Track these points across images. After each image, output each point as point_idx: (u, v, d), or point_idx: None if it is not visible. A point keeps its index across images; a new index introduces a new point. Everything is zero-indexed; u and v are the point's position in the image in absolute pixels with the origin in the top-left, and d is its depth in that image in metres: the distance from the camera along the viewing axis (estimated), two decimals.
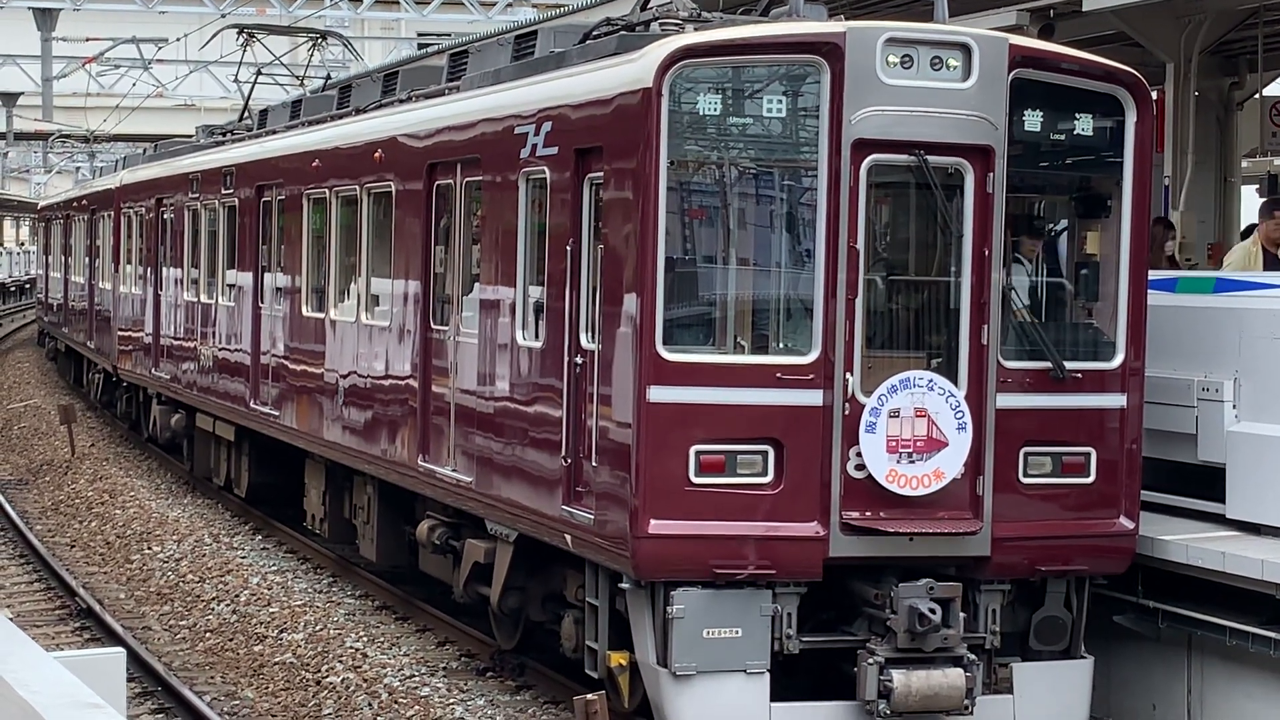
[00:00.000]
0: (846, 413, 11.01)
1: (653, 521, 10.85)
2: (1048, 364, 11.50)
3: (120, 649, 5.59)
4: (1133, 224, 11.71)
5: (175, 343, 24.57)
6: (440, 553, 14.49)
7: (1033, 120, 11.56)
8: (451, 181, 14.25)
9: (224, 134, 25.42)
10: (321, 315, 17.65)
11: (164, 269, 25.57)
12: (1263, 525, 12.16)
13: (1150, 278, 11.99)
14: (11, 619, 5.37)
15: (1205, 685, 12.36)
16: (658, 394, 10.87)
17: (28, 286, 77.77)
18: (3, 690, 3.52)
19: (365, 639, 15.55)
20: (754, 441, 10.99)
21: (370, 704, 13.62)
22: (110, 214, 30.65)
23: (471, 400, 13.52)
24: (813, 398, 11.01)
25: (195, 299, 23.36)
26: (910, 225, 11.78)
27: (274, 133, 21.09)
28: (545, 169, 12.36)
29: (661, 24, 11.95)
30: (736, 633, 10.98)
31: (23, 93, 57.34)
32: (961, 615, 11.13)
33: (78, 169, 71.62)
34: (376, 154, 15.97)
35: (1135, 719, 12.73)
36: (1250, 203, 22.68)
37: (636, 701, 11.49)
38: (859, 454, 11.02)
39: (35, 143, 71.42)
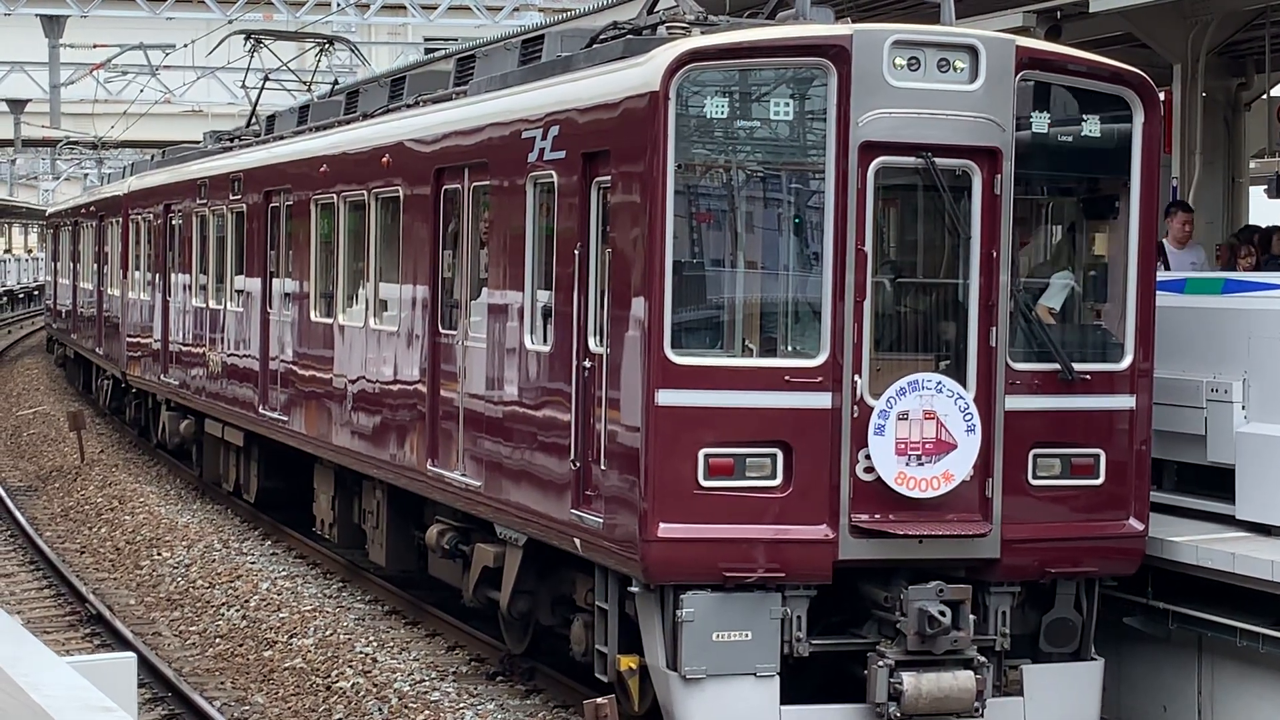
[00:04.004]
0: (855, 415, 11.02)
1: (662, 525, 10.86)
2: (1056, 366, 11.51)
3: (131, 654, 5.61)
4: (1141, 225, 11.71)
5: (184, 348, 24.61)
6: (449, 557, 14.51)
7: (1040, 122, 11.56)
8: (459, 186, 14.27)
9: (231, 140, 25.46)
10: (330, 320, 17.68)
11: (172, 275, 25.61)
12: (1273, 526, 12.16)
13: (1158, 278, 12.00)
14: (22, 625, 5.38)
15: (1216, 686, 12.36)
16: (666, 397, 10.88)
17: (36, 293, 77.91)
18: (16, 694, 3.54)
19: (375, 644, 15.56)
20: (763, 444, 10.99)
21: (380, 709, 13.63)
22: (118, 220, 30.70)
23: (480, 404, 13.54)
24: (821, 400, 11.02)
25: (204, 305, 23.40)
26: (918, 227, 11.79)
27: (281, 138, 21.13)
28: (553, 173, 12.38)
29: (668, 28, 11.96)
30: (746, 636, 10.99)
31: (30, 99, 57.43)
32: (971, 617, 11.13)
33: (86, 175, 71.74)
34: (384, 159, 15.99)
35: None
36: (1259, 203, 22.67)
37: (647, 705, 11.49)
38: (868, 456, 11.03)
39: (43, 149, 71.51)
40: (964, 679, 11.06)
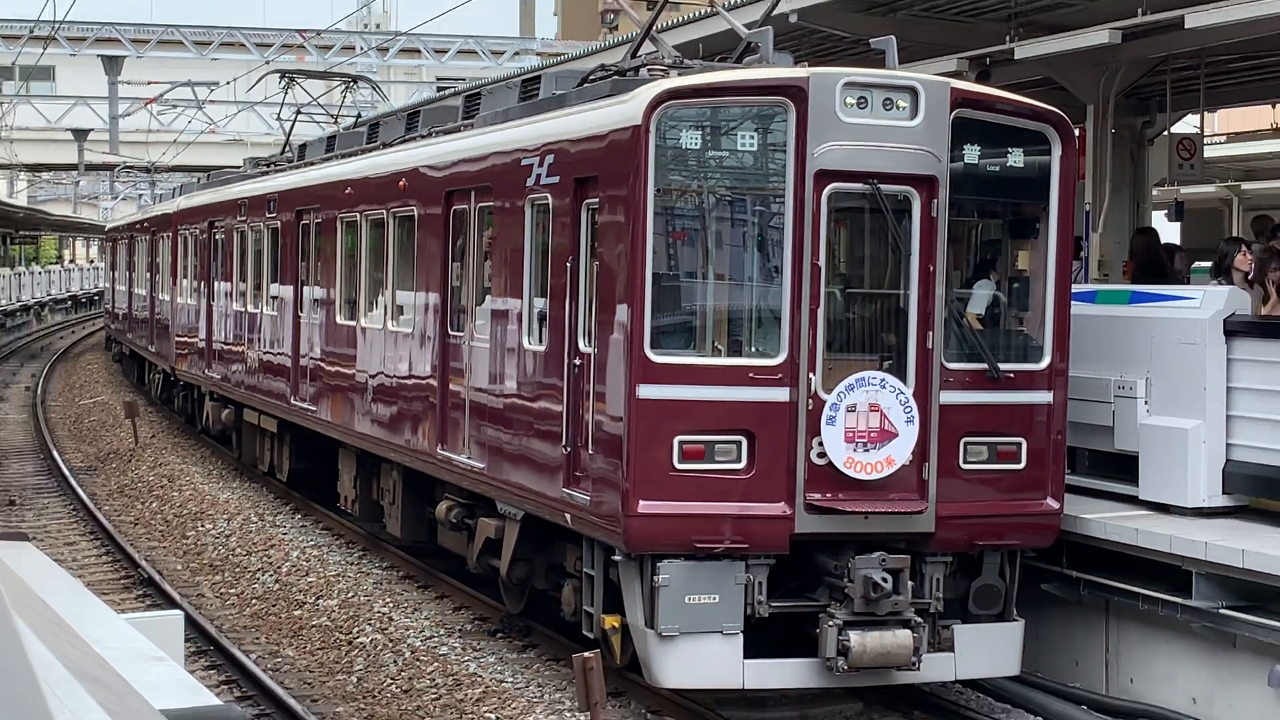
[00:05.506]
0: (810, 408, 11.01)
1: (641, 502, 10.85)
2: (984, 365, 11.52)
3: (179, 612, 5.60)
4: (1058, 243, 11.72)
5: (225, 347, 24.55)
6: (456, 529, 14.50)
7: (971, 154, 11.56)
8: (466, 206, 14.25)
9: (268, 165, 25.41)
10: (353, 323, 17.64)
11: (215, 283, 25.55)
12: (1170, 505, 12.20)
13: (1073, 290, 12.02)
14: (84, 586, 5.37)
15: (1120, 643, 12.39)
16: (646, 391, 10.87)
17: (96, 298, 77.69)
18: (81, 646, 3.54)
19: (391, 605, 15.54)
20: (729, 433, 10.99)
21: (395, 661, 13.62)
22: (168, 235, 30.62)
23: (484, 397, 13.52)
24: (781, 395, 11.02)
25: (243, 309, 23.34)
26: (865, 245, 11.78)
27: (312, 164, 21.09)
28: (548, 196, 12.37)
29: (649, 70, 11.96)
30: (714, 599, 10.98)
31: (92, 129, 57.32)
32: (910, 584, 11.12)
33: (140, 195, 71.56)
34: (401, 183, 15.97)
35: (1060, 673, 12.76)
36: (1160, 226, 22.73)
37: (627, 659, 11.49)
38: (821, 443, 11.02)
39: (103, 173, 71.37)
40: (903, 637, 11.06)
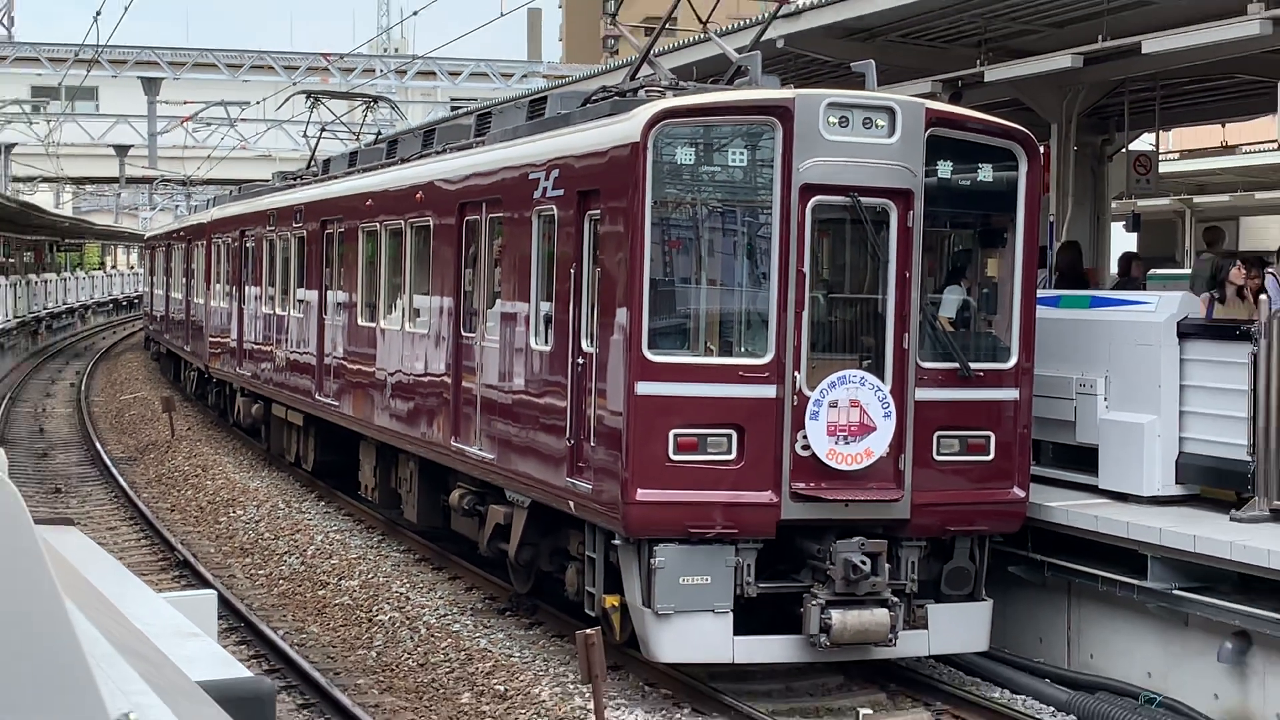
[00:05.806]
0: (795, 404, 11.02)
1: (639, 490, 10.86)
2: (956, 364, 11.53)
3: (212, 591, 5.60)
4: (1024, 252, 11.73)
5: (255, 347, 24.55)
6: (468, 516, 14.51)
7: (944, 169, 11.56)
8: (478, 217, 14.25)
9: (295, 179, 25.40)
10: (373, 324, 17.65)
11: (246, 287, 25.55)
12: (1127, 494, 12.21)
13: (1038, 295, 12.03)
14: (125, 567, 5.38)
15: (1081, 621, 12.40)
16: (643, 388, 10.88)
17: (136, 301, 77.67)
18: (122, 622, 3.54)
19: (408, 585, 15.54)
20: (721, 427, 10.99)
21: (412, 637, 13.63)
22: (203, 243, 30.61)
23: (494, 393, 13.53)
24: (768, 391, 11.03)
25: (271, 311, 23.34)
26: (846, 253, 11.79)
27: (335, 178, 21.09)
28: (553, 207, 12.37)
29: (647, 91, 11.96)
30: (706, 580, 10.98)
31: (132, 145, 57.31)
32: (887, 566, 11.14)
33: (176, 206, 71.54)
34: (418, 195, 15.97)
35: (1025, 649, 12.77)
36: (1119, 236, 22.77)
37: (626, 635, 11.50)
38: (805, 436, 11.03)
39: (142, 185, 71.36)
40: (880, 615, 11.07)
